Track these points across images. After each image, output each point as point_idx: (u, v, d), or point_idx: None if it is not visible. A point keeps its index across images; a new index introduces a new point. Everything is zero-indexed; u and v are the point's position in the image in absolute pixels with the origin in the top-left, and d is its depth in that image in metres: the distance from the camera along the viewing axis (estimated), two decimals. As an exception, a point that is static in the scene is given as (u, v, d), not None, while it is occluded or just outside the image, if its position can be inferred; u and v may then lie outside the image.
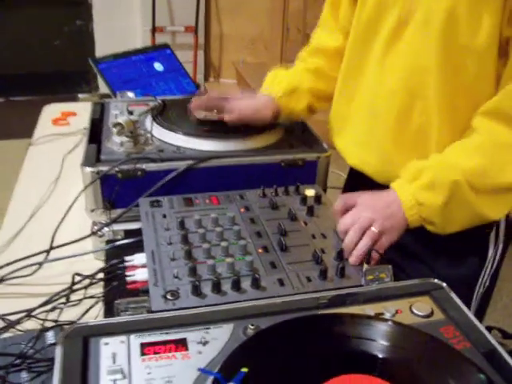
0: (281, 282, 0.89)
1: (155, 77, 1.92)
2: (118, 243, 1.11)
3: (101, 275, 1.04)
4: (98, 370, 0.66)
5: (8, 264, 1.09)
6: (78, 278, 1.03)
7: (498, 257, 1.21)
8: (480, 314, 1.25)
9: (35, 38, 4.69)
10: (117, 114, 1.30)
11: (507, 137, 1.02)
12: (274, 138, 1.29)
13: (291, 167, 1.22)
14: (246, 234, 1.01)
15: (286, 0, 4.57)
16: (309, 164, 1.23)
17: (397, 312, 0.77)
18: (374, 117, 1.17)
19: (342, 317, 0.75)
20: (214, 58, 5.07)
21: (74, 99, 4.72)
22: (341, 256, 0.95)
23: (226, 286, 0.86)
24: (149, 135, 1.25)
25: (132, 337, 0.71)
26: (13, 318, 0.97)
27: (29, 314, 0.97)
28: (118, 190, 1.13)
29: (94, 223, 1.16)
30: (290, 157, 1.22)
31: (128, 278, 0.94)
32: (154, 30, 4.56)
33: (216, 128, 1.26)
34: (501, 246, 1.20)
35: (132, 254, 1.00)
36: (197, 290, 0.84)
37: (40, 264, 1.09)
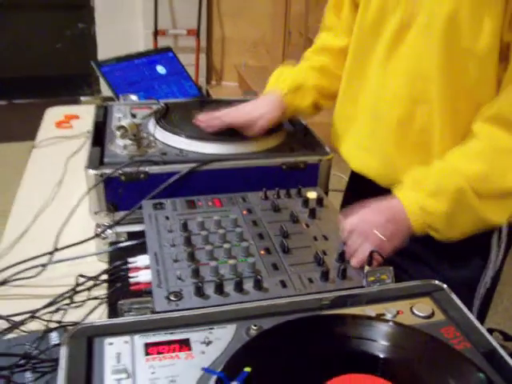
0: (283, 284, 0.90)
1: (158, 80, 1.92)
2: (121, 245, 1.12)
3: (104, 277, 1.05)
4: (103, 369, 0.67)
5: (12, 266, 1.09)
6: (81, 280, 1.04)
7: (500, 258, 1.21)
8: (482, 315, 1.26)
9: (37, 40, 4.70)
10: (120, 117, 1.30)
11: (508, 142, 1.03)
12: (275, 141, 1.30)
13: (293, 170, 1.23)
14: (249, 235, 1.01)
15: (287, 4, 4.59)
16: (310, 167, 1.24)
17: (398, 313, 0.78)
18: (377, 120, 1.18)
19: (344, 317, 0.75)
20: (216, 61, 5.08)
21: (76, 102, 4.71)
22: (342, 258, 0.96)
23: (229, 288, 0.87)
24: (152, 138, 1.26)
25: (136, 337, 0.71)
26: (17, 319, 0.97)
27: (33, 315, 0.98)
28: (121, 193, 1.13)
29: (98, 225, 1.17)
30: (292, 160, 1.22)
31: (131, 280, 0.96)
32: (156, 33, 4.58)
33: (218, 131, 1.27)
34: (503, 248, 1.20)
35: (135, 256, 1.01)
36: (200, 291, 0.85)
37: (44, 266, 1.10)
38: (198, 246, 0.97)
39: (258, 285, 0.88)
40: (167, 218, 1.06)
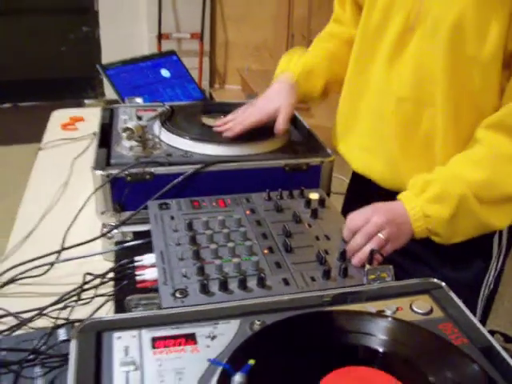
0: (286, 282, 0.91)
1: (162, 83, 1.94)
2: (127, 244, 1.13)
3: (111, 275, 1.07)
4: (112, 362, 0.69)
5: (20, 264, 1.11)
6: (88, 278, 1.06)
7: (501, 259, 1.23)
8: (485, 315, 1.28)
9: (42, 44, 4.72)
10: (126, 119, 1.32)
11: (508, 149, 1.04)
12: (278, 143, 1.31)
13: (295, 171, 1.24)
14: (252, 235, 1.03)
15: (290, 7, 4.61)
16: (312, 168, 1.25)
17: (397, 309, 0.79)
18: (381, 122, 1.19)
19: (345, 313, 0.77)
20: (219, 64, 5.10)
21: (80, 105, 4.75)
22: (344, 257, 0.98)
23: (233, 285, 0.89)
24: (157, 140, 1.28)
25: (143, 331, 0.73)
26: (25, 316, 0.99)
27: (41, 312, 1.00)
28: (127, 193, 1.15)
29: (104, 225, 1.19)
30: (295, 161, 1.24)
31: (138, 278, 0.97)
32: (159, 36, 4.60)
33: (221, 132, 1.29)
34: (504, 250, 1.22)
35: (141, 255, 1.03)
36: (205, 289, 0.87)
37: (51, 264, 1.11)
38: (202, 245, 0.99)
39: (262, 282, 0.90)
40: (172, 217, 1.08)
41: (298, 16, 4.74)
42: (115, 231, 1.17)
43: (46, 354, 0.88)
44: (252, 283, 0.90)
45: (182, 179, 1.16)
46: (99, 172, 1.14)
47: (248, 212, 1.11)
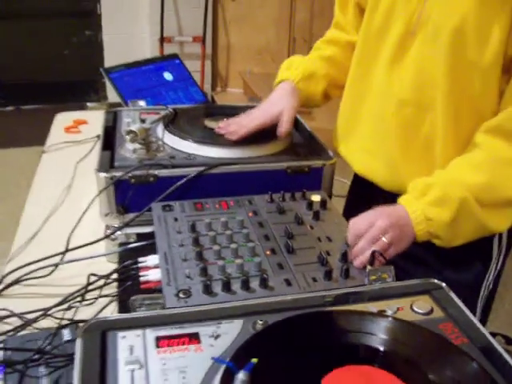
0: (288, 282, 0.92)
1: (165, 86, 1.96)
2: (130, 246, 1.14)
3: (115, 276, 1.08)
4: (116, 360, 0.70)
5: (25, 265, 1.12)
6: (93, 279, 1.07)
7: (501, 261, 1.24)
8: (484, 315, 1.29)
9: (45, 47, 4.73)
10: (129, 121, 1.33)
11: (507, 153, 1.05)
12: (280, 146, 1.32)
13: (297, 174, 1.25)
14: (255, 236, 1.04)
15: (292, 11, 4.63)
16: (314, 171, 1.26)
17: (398, 309, 0.80)
18: (382, 125, 1.20)
19: (346, 313, 0.78)
20: (221, 67, 5.11)
21: (83, 108, 4.76)
22: (345, 258, 0.99)
23: (236, 286, 0.90)
24: (160, 142, 1.29)
25: (148, 331, 0.74)
26: (29, 316, 1.01)
27: (45, 312, 1.01)
28: (130, 195, 1.16)
29: (107, 227, 1.20)
30: (297, 164, 1.25)
31: (141, 278, 0.98)
32: (162, 39, 4.61)
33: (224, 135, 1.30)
34: (504, 251, 1.23)
35: (144, 256, 1.03)
36: (208, 289, 0.88)
37: (56, 265, 1.13)
38: (205, 246, 1.00)
39: (264, 283, 0.91)
40: (176, 219, 1.09)
41: (299, 20, 4.76)
42: (119, 233, 1.18)
43: (51, 353, 0.90)
44: (255, 284, 0.91)
45: (185, 181, 1.17)
46: (103, 174, 1.15)
47: (250, 214, 1.12)
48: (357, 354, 0.72)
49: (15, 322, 1.01)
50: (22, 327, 0.98)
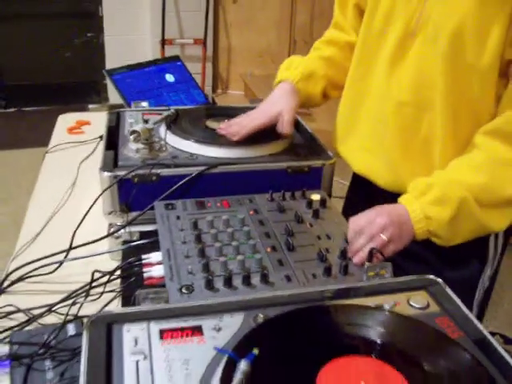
0: (288, 278, 0.94)
1: (166, 88, 1.98)
2: (133, 244, 1.16)
3: (118, 272, 1.10)
4: (122, 351, 0.72)
5: (29, 263, 1.14)
6: (97, 275, 1.09)
7: (497, 259, 1.25)
8: (481, 312, 1.30)
9: (47, 49, 4.76)
10: (132, 122, 1.35)
11: (507, 154, 1.07)
12: (281, 146, 1.34)
13: (297, 173, 1.27)
14: (256, 234, 1.06)
15: (293, 13, 4.65)
16: (314, 170, 1.28)
17: (395, 304, 0.82)
18: (381, 125, 1.22)
19: (344, 307, 0.80)
20: (222, 70, 5.13)
21: (84, 109, 4.78)
22: (344, 255, 1.00)
23: (237, 282, 0.92)
24: (163, 142, 1.30)
25: (152, 323, 0.77)
26: (35, 312, 1.03)
27: (50, 308, 1.03)
28: (134, 194, 1.18)
29: (111, 225, 1.22)
30: (297, 164, 1.27)
31: (145, 275, 1.01)
32: (163, 42, 4.64)
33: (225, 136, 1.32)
34: (500, 249, 1.25)
35: (147, 254, 1.06)
36: (210, 285, 0.90)
37: (60, 263, 1.14)
38: (207, 244, 1.02)
39: (265, 279, 0.93)
40: (178, 217, 1.10)
41: (300, 22, 4.78)
42: (122, 231, 1.20)
43: (57, 348, 0.92)
44: (255, 280, 0.93)
45: (187, 180, 1.19)
46: (107, 173, 1.17)
47: (251, 212, 1.14)
48: (354, 346, 0.74)
49: (21, 317, 1.02)
50: (28, 322, 1.00)
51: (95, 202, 1.21)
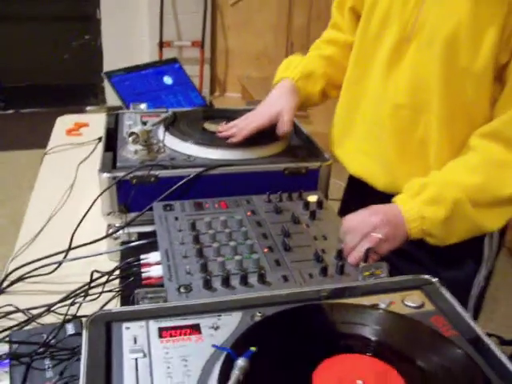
0: (285, 278, 0.95)
1: (164, 90, 1.99)
2: (132, 244, 1.17)
3: (117, 273, 1.10)
4: (121, 350, 0.73)
5: (29, 263, 1.15)
6: (96, 275, 1.09)
7: (492, 259, 1.26)
8: (476, 313, 1.31)
9: (45, 51, 4.76)
10: (131, 124, 1.36)
11: (503, 155, 1.08)
12: (278, 148, 1.35)
13: (294, 175, 1.28)
14: (253, 235, 1.07)
15: (290, 16, 4.66)
16: (311, 172, 1.29)
17: (390, 303, 0.83)
18: (378, 127, 1.23)
19: (340, 306, 0.82)
20: (219, 72, 5.13)
21: (82, 111, 4.78)
22: (340, 255, 1.02)
23: (235, 281, 0.93)
24: (161, 144, 1.31)
25: (151, 322, 0.78)
26: (34, 312, 1.04)
27: (49, 308, 1.04)
28: (132, 195, 1.19)
29: (109, 226, 1.23)
30: (294, 165, 1.28)
31: (143, 275, 1.01)
32: (161, 44, 4.64)
33: (224, 138, 1.33)
34: (494, 249, 1.26)
35: (145, 254, 1.06)
36: (208, 284, 0.91)
37: (60, 263, 1.15)
38: (205, 244, 1.03)
39: (262, 279, 0.94)
40: (176, 218, 1.12)
41: (297, 25, 4.79)
42: (121, 232, 1.21)
43: (56, 347, 0.92)
44: (253, 279, 0.94)
45: (185, 182, 1.20)
46: (106, 174, 1.18)
47: (249, 213, 1.15)
48: (350, 344, 0.75)
49: (20, 317, 1.03)
50: (27, 322, 1.01)
51: (94, 202, 1.22)
